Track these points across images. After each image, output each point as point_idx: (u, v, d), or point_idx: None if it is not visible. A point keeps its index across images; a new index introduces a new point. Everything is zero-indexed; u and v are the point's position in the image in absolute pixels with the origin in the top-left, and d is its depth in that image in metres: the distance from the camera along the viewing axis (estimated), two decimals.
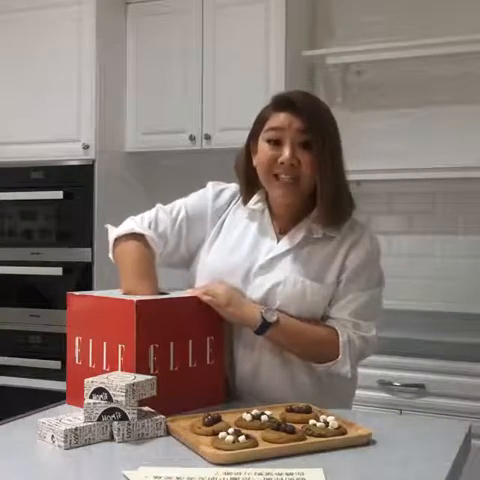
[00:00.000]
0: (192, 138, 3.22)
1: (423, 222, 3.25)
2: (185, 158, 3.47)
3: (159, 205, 1.80)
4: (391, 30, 3.18)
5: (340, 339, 1.65)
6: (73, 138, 3.19)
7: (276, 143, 1.63)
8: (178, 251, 1.77)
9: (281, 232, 1.72)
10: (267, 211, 1.73)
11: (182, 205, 1.78)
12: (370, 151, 3.19)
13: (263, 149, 1.65)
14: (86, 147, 3.17)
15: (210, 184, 1.82)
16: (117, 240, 1.73)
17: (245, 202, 1.75)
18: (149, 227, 1.73)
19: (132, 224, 1.74)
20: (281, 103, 1.64)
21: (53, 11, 3.24)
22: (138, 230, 1.71)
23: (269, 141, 1.63)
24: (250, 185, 1.74)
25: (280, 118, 1.62)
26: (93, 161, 3.18)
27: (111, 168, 3.27)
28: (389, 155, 3.16)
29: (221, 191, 1.79)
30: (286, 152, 1.60)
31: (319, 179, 1.62)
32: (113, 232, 1.75)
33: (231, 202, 1.78)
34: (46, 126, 3.23)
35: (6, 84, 3.34)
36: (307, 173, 1.62)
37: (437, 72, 3.15)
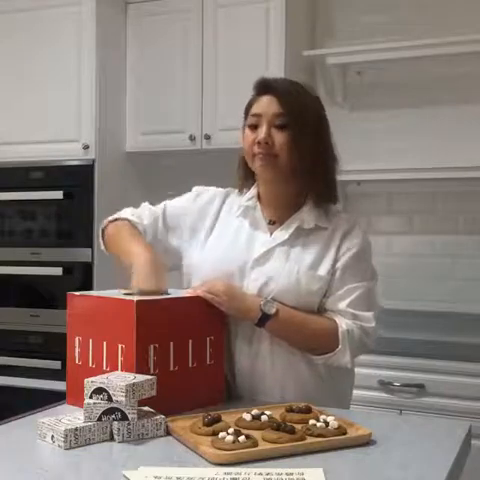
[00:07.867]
0: (192, 138, 3.22)
1: (423, 222, 3.25)
2: (185, 158, 3.46)
3: (145, 203, 1.89)
4: (391, 30, 3.18)
5: (339, 330, 1.65)
6: (73, 138, 3.19)
7: (256, 127, 1.69)
8: (158, 241, 1.82)
9: (271, 223, 1.75)
10: (259, 207, 1.77)
11: (166, 202, 1.88)
12: (370, 151, 3.19)
13: (245, 134, 1.72)
14: (86, 147, 3.17)
15: (194, 188, 1.89)
16: (104, 229, 1.86)
17: (241, 192, 1.81)
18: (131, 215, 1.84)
19: (115, 214, 1.87)
20: (261, 87, 1.71)
21: (53, 11, 3.23)
22: (122, 216, 1.84)
23: (250, 126, 1.71)
24: (244, 174, 1.80)
25: (261, 103, 1.70)
26: (93, 161, 3.18)
27: (111, 168, 3.27)
28: (389, 155, 3.16)
29: (204, 190, 1.87)
30: (261, 132, 1.67)
31: (298, 160, 1.67)
32: (101, 225, 1.88)
33: (215, 199, 1.83)
34: (46, 126, 3.23)
35: (6, 84, 3.33)
36: (282, 153, 1.67)
37: (437, 72, 3.15)
